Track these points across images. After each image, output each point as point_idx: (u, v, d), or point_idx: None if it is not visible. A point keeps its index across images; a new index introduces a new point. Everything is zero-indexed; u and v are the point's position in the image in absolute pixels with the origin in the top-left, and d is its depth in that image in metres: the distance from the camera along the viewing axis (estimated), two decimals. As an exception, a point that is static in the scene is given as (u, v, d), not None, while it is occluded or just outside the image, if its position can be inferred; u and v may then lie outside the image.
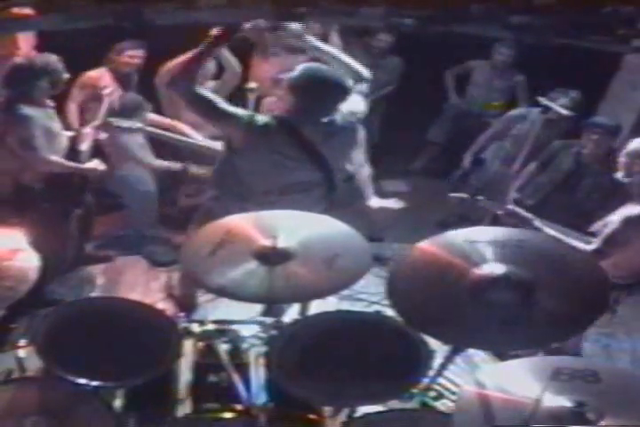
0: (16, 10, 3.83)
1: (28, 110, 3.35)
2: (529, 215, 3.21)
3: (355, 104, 3.06)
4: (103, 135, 3.73)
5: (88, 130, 3.67)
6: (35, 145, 3.36)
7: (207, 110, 2.87)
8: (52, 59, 3.55)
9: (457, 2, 4.34)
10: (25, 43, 4.38)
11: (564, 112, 4.00)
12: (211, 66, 4.20)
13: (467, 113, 5.30)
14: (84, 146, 3.61)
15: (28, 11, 3.87)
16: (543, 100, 4.09)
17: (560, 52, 4.50)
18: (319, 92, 2.87)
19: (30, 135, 3.34)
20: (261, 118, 2.90)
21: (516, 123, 4.56)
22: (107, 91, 3.87)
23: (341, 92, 2.90)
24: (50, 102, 3.52)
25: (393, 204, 3.43)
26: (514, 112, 4.64)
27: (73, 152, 3.59)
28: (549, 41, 4.49)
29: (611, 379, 1.78)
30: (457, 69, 5.38)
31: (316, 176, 2.99)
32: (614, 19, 4.28)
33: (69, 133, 3.62)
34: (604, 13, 4.25)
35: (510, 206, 3.30)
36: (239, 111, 2.90)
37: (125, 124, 3.74)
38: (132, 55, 4.21)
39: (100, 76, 4.22)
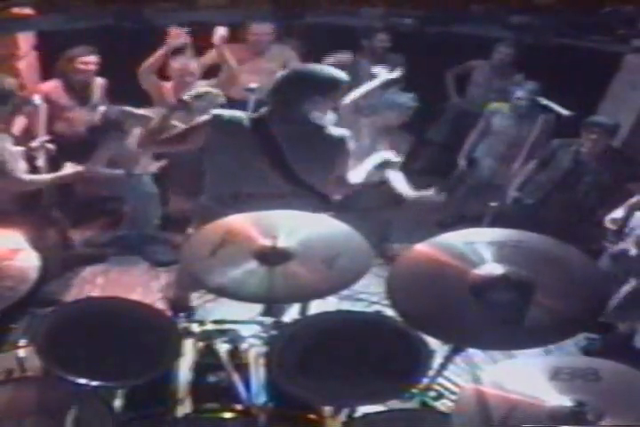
0: (16, 10, 3.84)
1: None
2: None
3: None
4: (52, 147, 3.63)
5: (36, 144, 3.56)
6: (8, 169, 3.28)
7: None
8: (12, 82, 3.47)
9: (457, 2, 4.35)
10: (25, 43, 4.39)
11: (564, 112, 4.01)
12: (195, 66, 4.20)
13: (467, 113, 5.30)
14: (40, 161, 3.53)
15: (28, 11, 3.88)
16: (543, 100, 4.10)
17: (560, 52, 4.51)
18: (286, 84, 2.81)
19: (1, 161, 3.26)
20: (228, 115, 2.83)
21: (491, 118, 4.62)
22: (37, 101, 3.69)
23: (322, 86, 2.79)
24: (1, 125, 3.39)
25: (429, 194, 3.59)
26: (489, 108, 4.70)
27: (33, 169, 3.50)
28: (549, 41, 4.50)
29: (611, 377, 1.77)
30: (457, 69, 5.38)
31: (282, 184, 2.84)
32: (614, 19, 4.28)
33: (19, 149, 3.47)
34: (604, 13, 4.25)
35: None
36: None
37: (137, 111, 3.75)
38: (86, 62, 4.06)
39: (53, 88, 4.11)
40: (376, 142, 3.90)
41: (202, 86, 4.19)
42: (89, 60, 4.08)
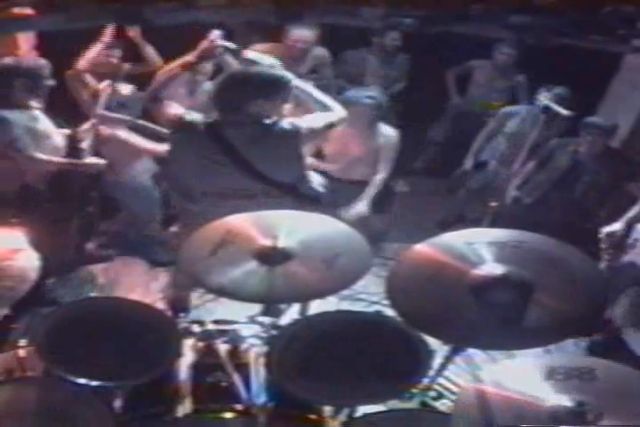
0: (16, 10, 3.85)
1: (5, 114, 3.33)
2: None
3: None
4: (103, 128, 3.70)
5: (85, 127, 3.64)
6: (19, 146, 3.35)
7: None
8: (36, 62, 3.50)
9: (457, 2, 4.35)
10: (25, 43, 4.39)
11: (565, 112, 4.00)
12: (208, 67, 4.20)
13: (467, 113, 5.31)
14: (84, 144, 3.59)
15: (28, 11, 3.89)
16: (543, 101, 4.09)
17: (560, 52, 4.51)
18: (225, 90, 2.82)
19: (13, 138, 3.32)
20: (189, 118, 2.85)
21: (506, 120, 4.60)
22: (104, 84, 3.78)
23: (252, 88, 2.76)
24: (34, 103, 3.45)
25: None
26: (505, 109, 4.68)
27: (74, 151, 3.56)
28: (549, 41, 4.50)
29: (608, 376, 1.77)
30: (457, 69, 5.38)
31: (250, 184, 2.86)
32: (614, 19, 4.28)
33: (64, 131, 3.58)
34: (604, 13, 4.25)
35: None
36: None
37: (114, 115, 3.75)
38: (109, 55, 4.11)
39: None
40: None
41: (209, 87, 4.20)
42: (111, 54, 4.12)
